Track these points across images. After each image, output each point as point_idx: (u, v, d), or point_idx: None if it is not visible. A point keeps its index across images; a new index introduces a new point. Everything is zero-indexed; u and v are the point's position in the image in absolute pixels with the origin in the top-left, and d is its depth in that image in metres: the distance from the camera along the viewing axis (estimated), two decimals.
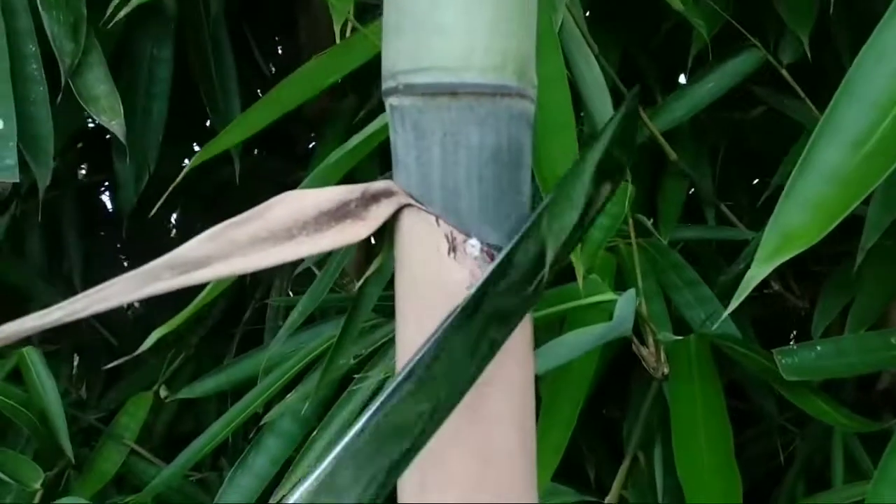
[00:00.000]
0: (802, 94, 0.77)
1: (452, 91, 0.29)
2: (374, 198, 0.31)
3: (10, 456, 0.70)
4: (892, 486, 0.50)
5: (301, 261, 1.01)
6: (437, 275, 0.30)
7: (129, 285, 0.28)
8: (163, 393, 0.92)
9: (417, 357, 0.27)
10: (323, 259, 0.82)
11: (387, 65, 0.30)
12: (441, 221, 0.29)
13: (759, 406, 0.73)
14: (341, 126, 0.97)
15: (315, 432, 0.78)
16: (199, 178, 1.18)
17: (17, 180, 0.64)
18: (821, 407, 0.58)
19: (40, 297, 0.99)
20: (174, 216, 1.36)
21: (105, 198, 1.34)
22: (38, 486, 0.66)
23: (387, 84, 0.30)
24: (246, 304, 1.18)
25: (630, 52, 0.88)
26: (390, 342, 0.75)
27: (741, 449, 0.62)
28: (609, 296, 0.50)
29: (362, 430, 0.26)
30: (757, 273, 0.33)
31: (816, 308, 0.70)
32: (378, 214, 0.31)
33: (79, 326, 1.11)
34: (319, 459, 0.26)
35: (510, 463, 0.33)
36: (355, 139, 0.51)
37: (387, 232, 0.32)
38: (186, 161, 1.04)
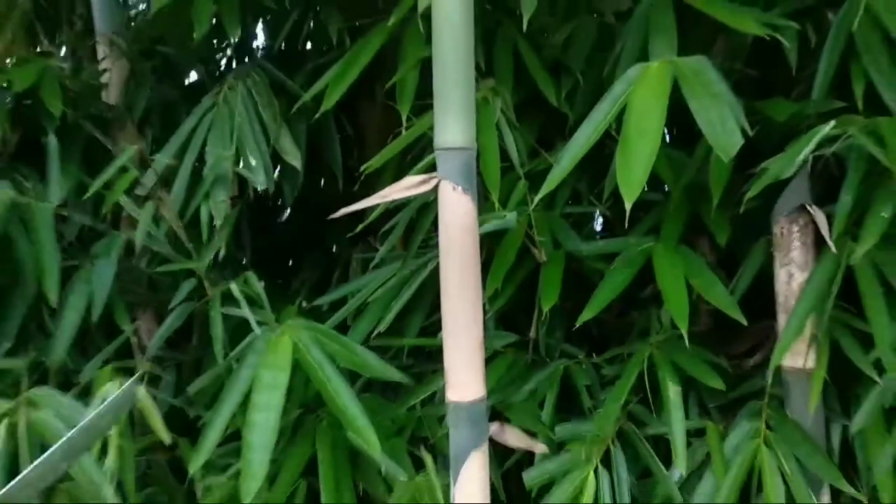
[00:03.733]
0: None
1: (452, 149, 1.11)
2: (432, 178, 1.13)
3: None
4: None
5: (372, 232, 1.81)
6: (452, 198, 1.11)
7: (374, 199, 1.10)
8: (304, 304, 1.71)
9: None
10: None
11: (436, 141, 1.12)
12: (452, 184, 1.11)
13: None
14: None
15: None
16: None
17: (267, 186, 1.46)
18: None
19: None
20: None
21: None
22: None
23: (436, 147, 1.12)
24: (334, 266, 1.98)
25: (547, 118, 1.70)
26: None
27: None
28: (510, 213, 1.32)
29: None
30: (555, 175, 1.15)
31: None
32: (433, 182, 1.13)
33: None
34: None
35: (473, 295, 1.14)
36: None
37: (434, 189, 1.13)
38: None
